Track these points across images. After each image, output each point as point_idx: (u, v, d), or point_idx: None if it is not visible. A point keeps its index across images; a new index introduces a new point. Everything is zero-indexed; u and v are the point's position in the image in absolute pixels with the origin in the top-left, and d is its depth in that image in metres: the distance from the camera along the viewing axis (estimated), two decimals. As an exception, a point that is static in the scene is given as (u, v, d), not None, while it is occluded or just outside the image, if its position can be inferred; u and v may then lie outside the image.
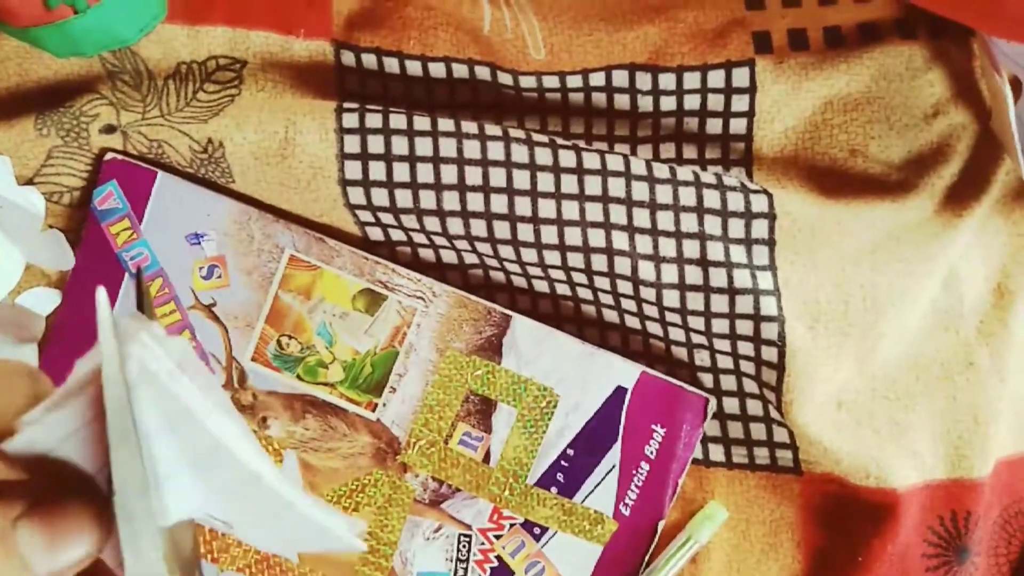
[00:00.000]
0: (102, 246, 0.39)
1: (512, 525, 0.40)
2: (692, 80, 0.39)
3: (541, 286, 0.40)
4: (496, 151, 0.37)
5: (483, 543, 0.40)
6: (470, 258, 0.39)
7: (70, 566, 0.19)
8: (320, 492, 0.40)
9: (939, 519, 0.40)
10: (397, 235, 0.39)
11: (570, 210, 0.37)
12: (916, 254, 0.39)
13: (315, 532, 0.23)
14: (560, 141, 0.37)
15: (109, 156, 0.38)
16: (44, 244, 0.38)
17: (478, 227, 0.37)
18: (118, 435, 0.19)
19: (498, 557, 0.40)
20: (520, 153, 0.37)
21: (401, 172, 0.37)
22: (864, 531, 0.39)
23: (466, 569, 0.40)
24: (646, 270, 0.37)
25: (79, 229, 0.39)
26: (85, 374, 0.20)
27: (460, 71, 0.39)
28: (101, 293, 0.20)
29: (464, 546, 0.40)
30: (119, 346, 0.19)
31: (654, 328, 0.40)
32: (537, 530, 0.40)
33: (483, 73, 0.39)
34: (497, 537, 0.40)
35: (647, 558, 0.40)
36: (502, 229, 0.37)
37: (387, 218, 0.38)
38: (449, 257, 0.40)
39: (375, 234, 0.39)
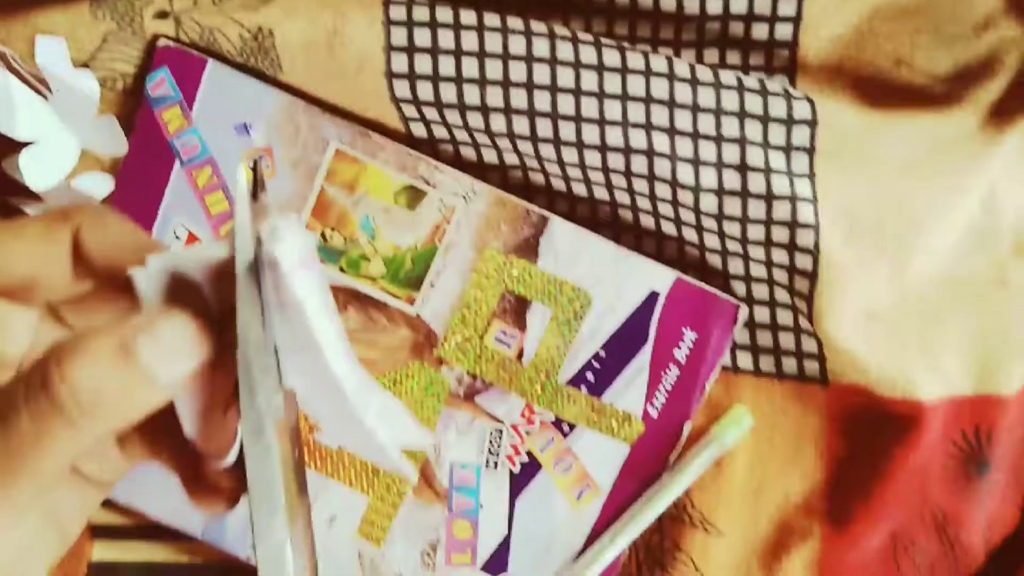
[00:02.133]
0: (154, 133, 0.40)
1: (542, 421, 0.41)
2: (740, -17, 0.39)
3: (580, 189, 0.41)
4: (541, 48, 0.37)
5: (514, 438, 0.41)
6: (511, 158, 0.40)
7: (184, 376, 0.21)
8: (358, 382, 0.41)
9: (962, 433, 0.41)
10: (440, 132, 0.40)
11: (612, 110, 0.37)
12: (956, 169, 0.39)
13: (377, 452, 0.24)
14: (605, 41, 0.37)
15: (162, 43, 0.39)
16: (99, 129, 0.39)
17: (520, 125, 0.38)
18: (244, 294, 0.21)
19: (528, 452, 0.41)
20: (565, 51, 0.37)
21: (446, 66, 0.37)
22: (887, 442, 0.40)
23: (497, 462, 0.41)
24: (685, 173, 0.38)
25: (131, 117, 0.40)
26: (220, 245, 0.22)
27: (508, -32, 0.39)
28: (241, 169, 0.21)
29: (495, 440, 0.41)
30: (254, 221, 0.21)
31: (689, 234, 0.40)
32: (566, 427, 0.41)
33: (530, -29, 0.39)
34: (527, 433, 0.41)
35: (673, 458, 0.41)
36: (544, 127, 0.38)
37: (431, 113, 0.39)
38: (490, 156, 0.40)
39: (419, 130, 0.40)
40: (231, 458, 0.25)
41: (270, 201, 0.23)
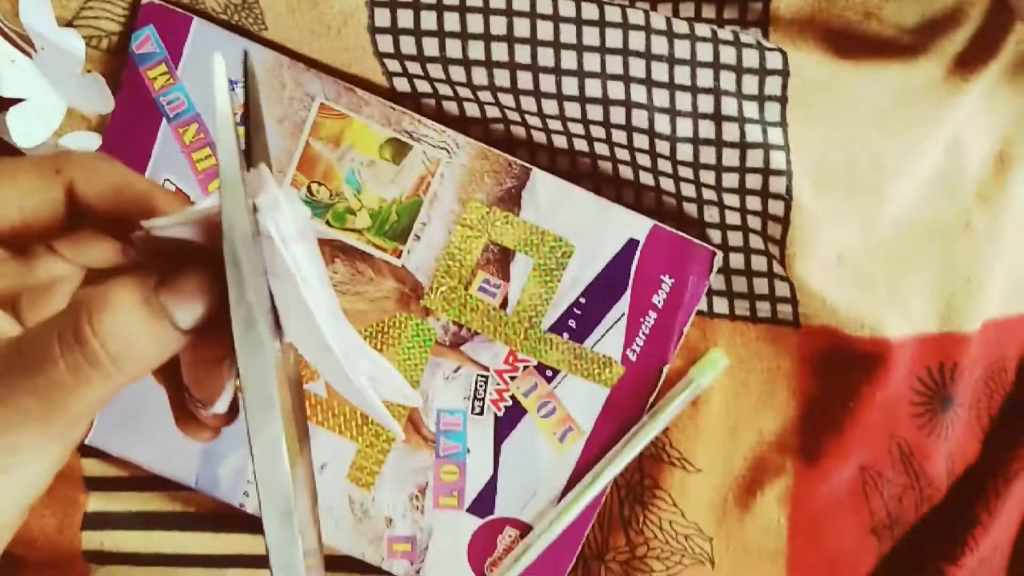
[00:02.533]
0: (140, 91, 0.40)
1: (526, 367, 0.42)
2: (714, -62, 0.40)
3: (560, 142, 0.42)
4: (521, 2, 0.38)
5: (499, 383, 0.42)
6: (492, 112, 0.41)
7: (199, 321, 0.23)
8: (347, 332, 0.42)
9: (927, 370, 0.43)
10: (423, 86, 0.40)
11: (591, 62, 0.38)
12: (922, 117, 0.41)
13: (366, 407, 0.25)
14: (583, -5, 0.38)
15: (146, 0, 0.39)
16: (84, 87, 0.40)
17: (501, 77, 0.39)
18: (230, 190, 0.21)
19: (512, 396, 0.43)
20: (544, 5, 0.38)
21: (428, 20, 0.38)
22: (856, 380, 0.42)
23: (482, 407, 0.43)
24: (662, 123, 0.39)
25: (117, 75, 0.41)
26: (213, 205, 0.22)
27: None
28: (216, 62, 0.21)
29: (481, 386, 0.43)
30: (247, 187, 0.21)
31: (667, 184, 0.42)
32: (549, 372, 0.42)
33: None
34: (512, 378, 0.42)
35: (651, 400, 0.43)
36: (525, 79, 0.39)
37: (414, 67, 0.39)
38: (472, 111, 0.41)
39: (402, 85, 0.41)
40: (220, 407, 0.26)
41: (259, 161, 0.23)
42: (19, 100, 0.39)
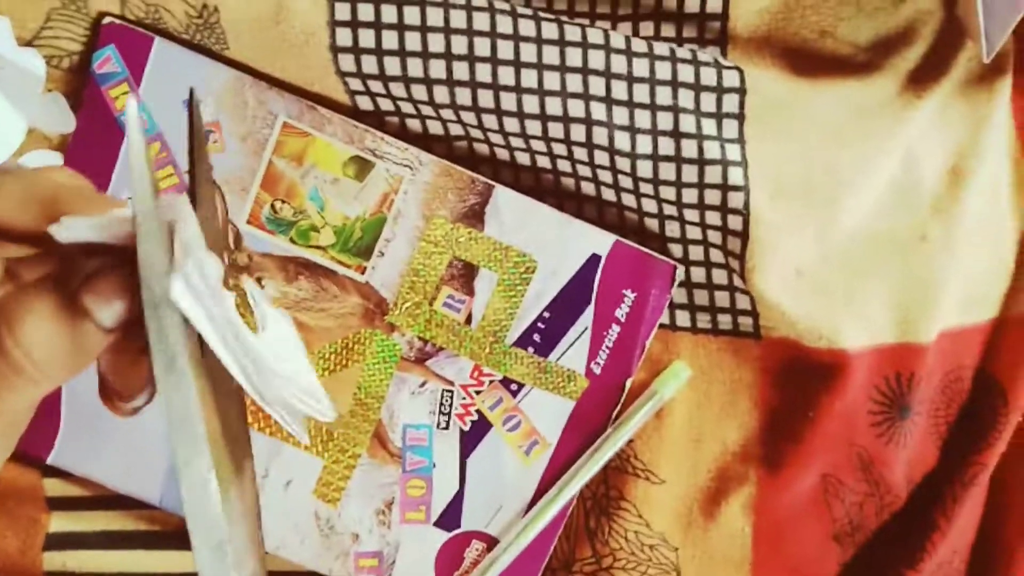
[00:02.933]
0: (102, 110, 0.40)
1: (491, 381, 0.43)
2: (671, -42, 0.40)
3: (523, 159, 0.42)
4: (482, 21, 0.38)
5: (464, 398, 0.43)
6: (455, 129, 0.41)
7: (122, 320, 0.23)
8: (312, 349, 0.42)
9: (885, 380, 0.43)
10: (386, 104, 0.41)
11: (551, 80, 0.39)
12: (877, 132, 0.41)
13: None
14: (543, 14, 0.39)
15: (107, 20, 0.39)
16: (45, 107, 0.40)
17: (463, 96, 0.39)
18: (147, 229, 0.21)
19: (478, 411, 0.43)
20: (505, 24, 0.38)
21: (390, 40, 0.38)
22: (816, 390, 0.43)
23: (448, 421, 0.43)
24: (622, 140, 0.40)
25: (78, 94, 0.40)
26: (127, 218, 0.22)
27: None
28: (131, 107, 0.21)
29: (447, 400, 0.43)
30: (167, 226, 0.21)
31: (628, 200, 0.42)
32: (514, 386, 0.43)
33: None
34: (477, 392, 0.43)
35: (615, 413, 0.43)
36: (486, 98, 0.39)
37: (376, 86, 0.40)
38: (435, 128, 0.42)
39: (364, 103, 0.41)
40: (138, 403, 0.26)
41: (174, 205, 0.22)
42: (-22, 119, 0.38)
